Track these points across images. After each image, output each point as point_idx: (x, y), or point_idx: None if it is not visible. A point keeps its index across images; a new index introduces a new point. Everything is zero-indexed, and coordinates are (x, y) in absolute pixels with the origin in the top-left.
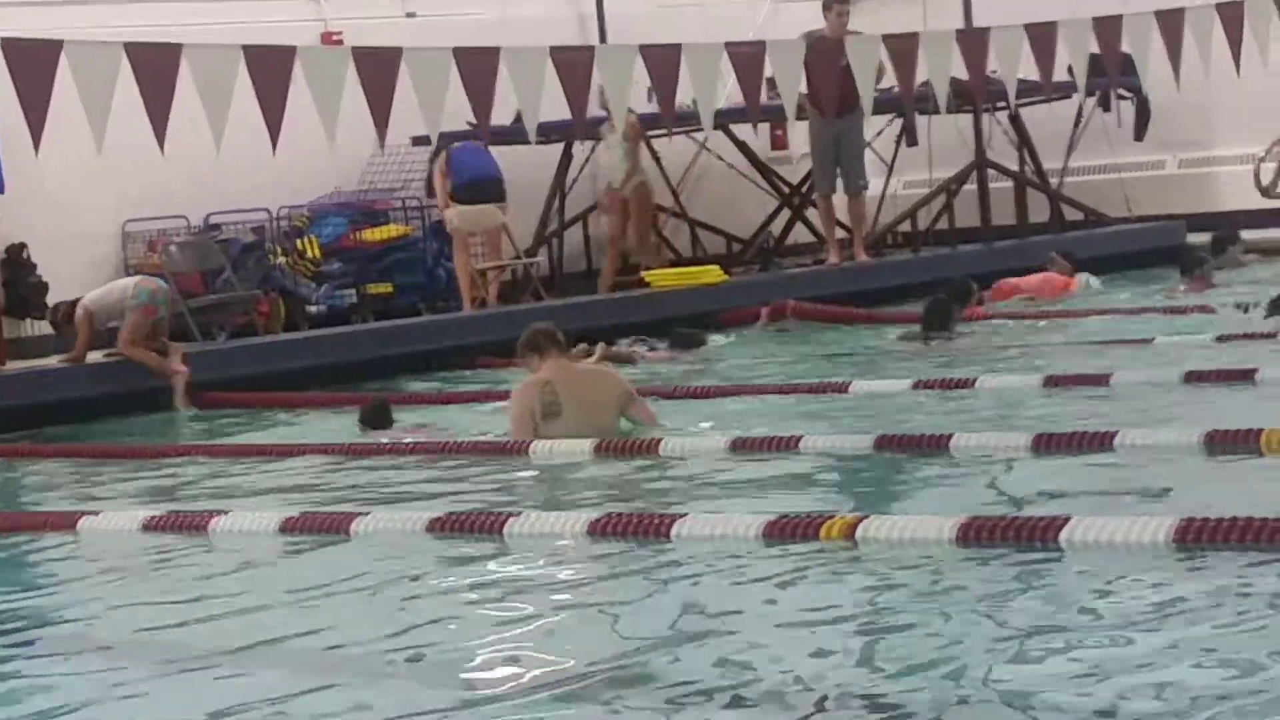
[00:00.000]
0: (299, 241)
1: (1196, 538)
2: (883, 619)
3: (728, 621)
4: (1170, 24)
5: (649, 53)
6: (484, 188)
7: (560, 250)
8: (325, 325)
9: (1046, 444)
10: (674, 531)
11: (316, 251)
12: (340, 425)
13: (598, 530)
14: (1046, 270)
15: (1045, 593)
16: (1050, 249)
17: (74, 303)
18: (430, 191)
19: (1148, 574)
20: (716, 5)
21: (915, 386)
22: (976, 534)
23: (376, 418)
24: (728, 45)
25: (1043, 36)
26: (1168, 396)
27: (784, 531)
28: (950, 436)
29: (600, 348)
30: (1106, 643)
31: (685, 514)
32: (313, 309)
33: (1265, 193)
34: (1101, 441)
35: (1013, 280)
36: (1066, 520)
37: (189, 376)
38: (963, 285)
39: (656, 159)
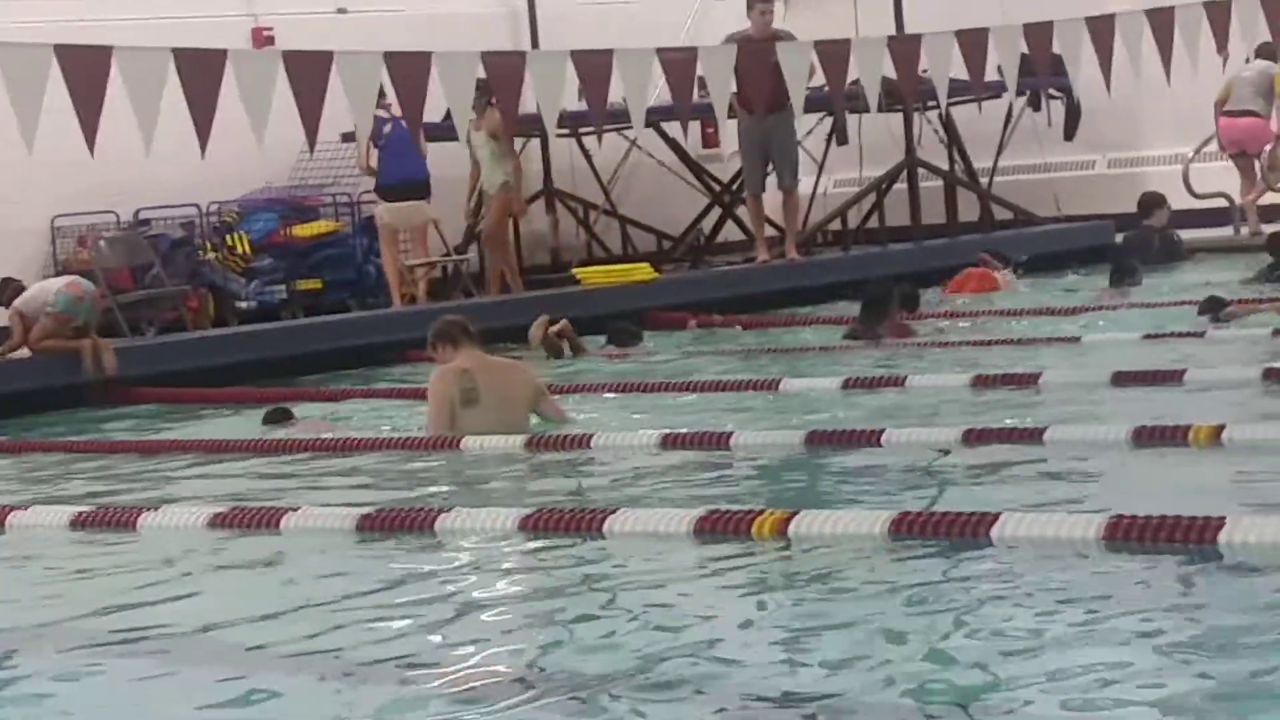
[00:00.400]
0: (229, 237)
1: (1126, 534)
2: (814, 614)
3: (659, 618)
4: (1101, 31)
5: (580, 58)
6: (410, 188)
7: None
8: (255, 321)
9: (977, 439)
10: (606, 527)
11: (246, 247)
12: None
13: (530, 526)
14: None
15: (976, 588)
16: (980, 248)
17: (20, 286)
18: None
19: (1077, 570)
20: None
21: (846, 385)
22: (908, 529)
23: (279, 418)
24: (659, 51)
25: (974, 39)
26: (1096, 395)
27: (716, 527)
28: (882, 432)
29: (564, 324)
30: (1036, 638)
31: (617, 509)
32: (242, 305)
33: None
34: (1031, 437)
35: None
36: (998, 516)
37: (98, 356)
38: (911, 293)
39: (587, 156)
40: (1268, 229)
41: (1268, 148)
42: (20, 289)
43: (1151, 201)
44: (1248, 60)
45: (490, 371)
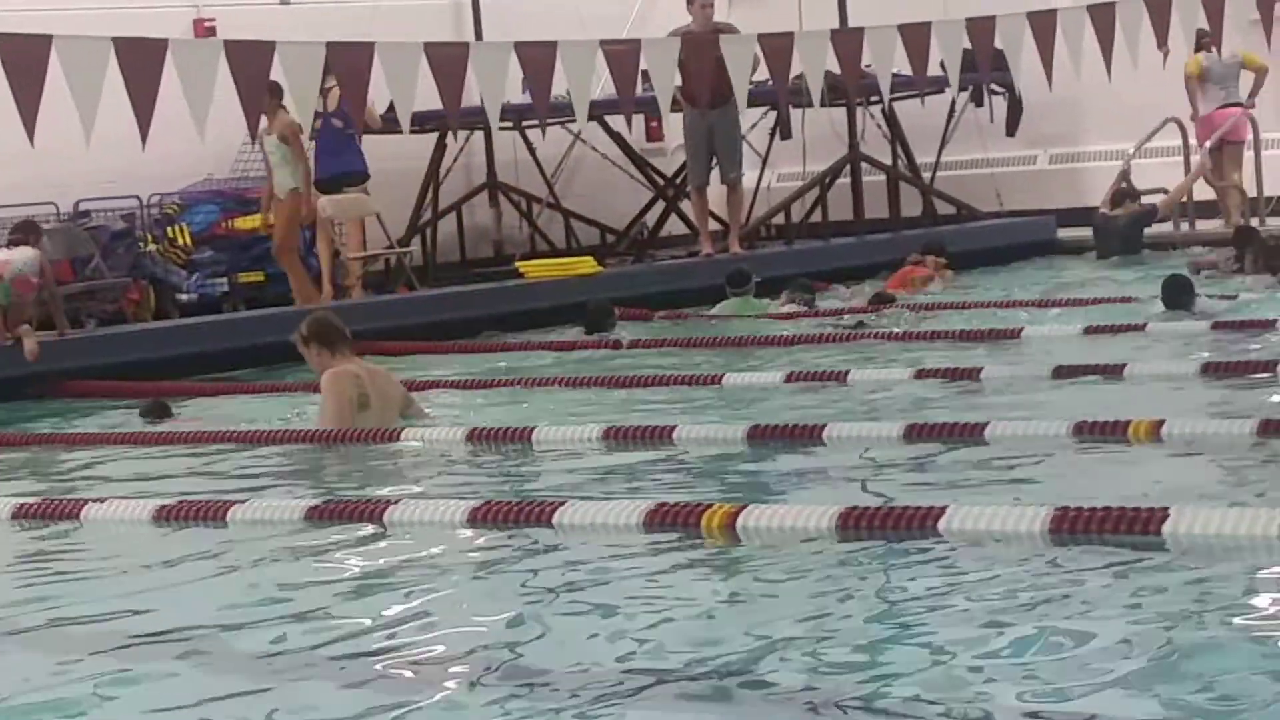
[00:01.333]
0: (170, 229)
1: (1071, 527)
2: (762, 607)
3: (607, 610)
4: (1042, 26)
5: (524, 50)
6: (343, 181)
7: (434, 240)
8: (196, 314)
9: (919, 434)
10: (555, 520)
11: (188, 239)
12: (213, 413)
13: (478, 518)
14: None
15: (924, 580)
16: (921, 242)
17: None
18: None
19: (1024, 561)
20: None
21: (788, 379)
22: (856, 522)
23: (157, 411)
24: (603, 43)
25: (917, 34)
26: (1038, 389)
27: (665, 520)
28: (824, 427)
29: None
30: (984, 629)
31: (565, 502)
32: (184, 297)
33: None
34: (973, 432)
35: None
36: (945, 509)
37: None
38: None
39: (531, 150)
40: (1203, 225)
41: (1207, 145)
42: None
43: (1123, 194)
44: (1212, 51)
45: (373, 375)
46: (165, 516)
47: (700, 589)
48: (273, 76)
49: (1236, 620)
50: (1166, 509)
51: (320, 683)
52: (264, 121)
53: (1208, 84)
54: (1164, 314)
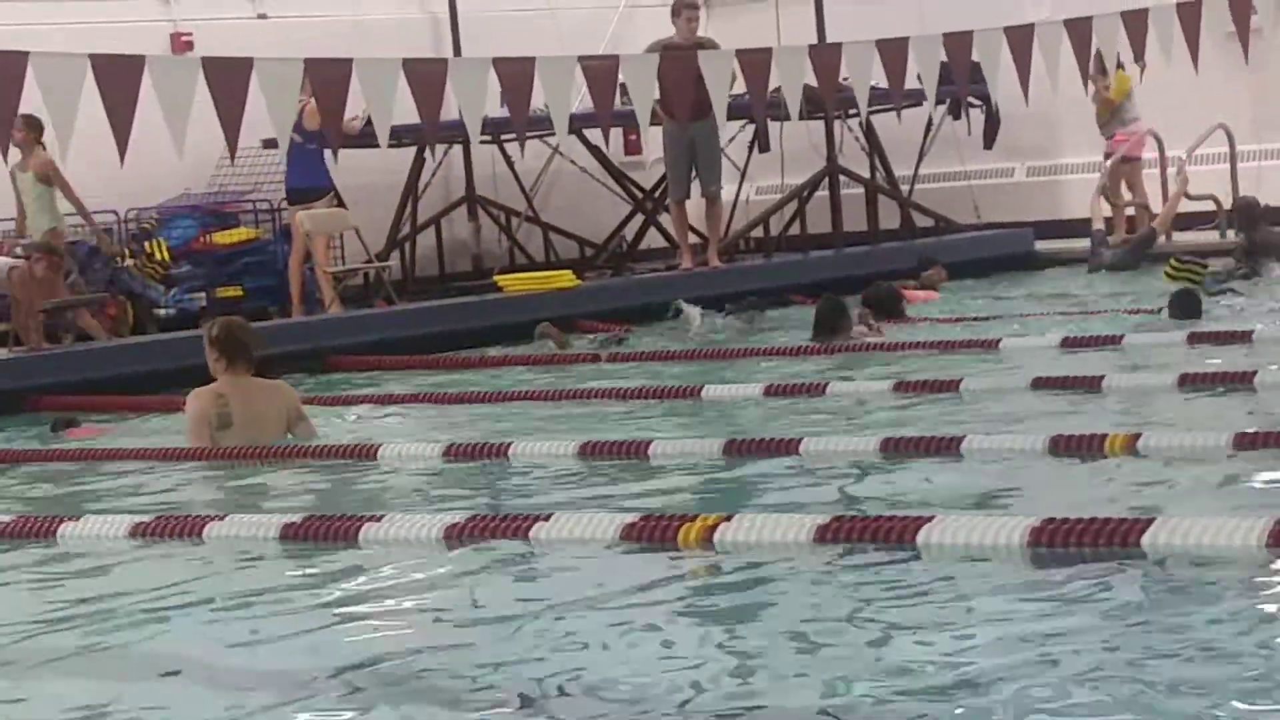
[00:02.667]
0: (148, 244)
1: (1050, 539)
2: (741, 621)
3: (586, 625)
4: (1019, 40)
5: (502, 66)
6: (305, 194)
7: (413, 254)
8: (174, 329)
9: (895, 447)
10: (533, 534)
11: (165, 254)
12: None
13: (455, 534)
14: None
15: (902, 594)
16: (902, 255)
17: None
18: None
19: (1002, 574)
20: (570, 8)
21: (766, 392)
22: (834, 535)
23: (64, 425)
24: (581, 59)
25: (894, 48)
26: (1015, 402)
27: (643, 534)
28: (800, 441)
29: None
30: (963, 641)
31: (545, 516)
32: (161, 312)
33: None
34: (949, 446)
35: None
36: (926, 520)
37: None
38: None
39: (509, 163)
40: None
41: (1108, 163)
42: None
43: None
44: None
45: (247, 393)
46: (142, 533)
47: (678, 603)
48: (250, 92)
49: (1216, 630)
50: (1149, 520)
51: (278, 697)
52: (16, 155)
53: (1132, 101)
54: (1173, 324)
